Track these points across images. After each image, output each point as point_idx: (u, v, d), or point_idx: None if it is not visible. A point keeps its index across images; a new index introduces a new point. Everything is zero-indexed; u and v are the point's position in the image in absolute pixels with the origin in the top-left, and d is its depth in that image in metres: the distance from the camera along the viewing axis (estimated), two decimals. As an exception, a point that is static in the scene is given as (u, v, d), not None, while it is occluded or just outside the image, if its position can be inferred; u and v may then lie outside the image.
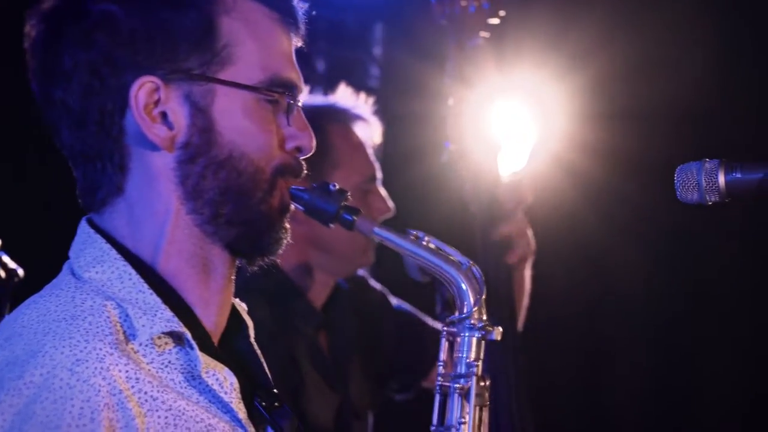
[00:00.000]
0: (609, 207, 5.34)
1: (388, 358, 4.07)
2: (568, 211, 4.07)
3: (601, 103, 5.24)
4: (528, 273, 4.03)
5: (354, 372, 3.99)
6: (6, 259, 3.21)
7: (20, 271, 3.20)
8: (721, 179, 2.19)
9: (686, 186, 2.22)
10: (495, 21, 3.97)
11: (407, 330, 4.08)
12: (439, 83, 4.16)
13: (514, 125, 4.07)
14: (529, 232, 3.98)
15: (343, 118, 4.01)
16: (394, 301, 4.14)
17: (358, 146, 3.99)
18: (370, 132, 4.03)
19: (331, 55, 5.54)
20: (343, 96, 4.06)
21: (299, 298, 3.90)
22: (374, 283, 4.13)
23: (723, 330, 5.61)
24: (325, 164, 3.91)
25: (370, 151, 4.01)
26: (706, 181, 2.19)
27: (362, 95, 4.08)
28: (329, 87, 4.79)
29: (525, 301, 4.05)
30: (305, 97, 4.01)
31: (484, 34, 3.97)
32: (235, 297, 2.30)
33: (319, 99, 4.06)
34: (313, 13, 2.30)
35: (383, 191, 3.99)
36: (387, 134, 4.40)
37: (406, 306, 4.13)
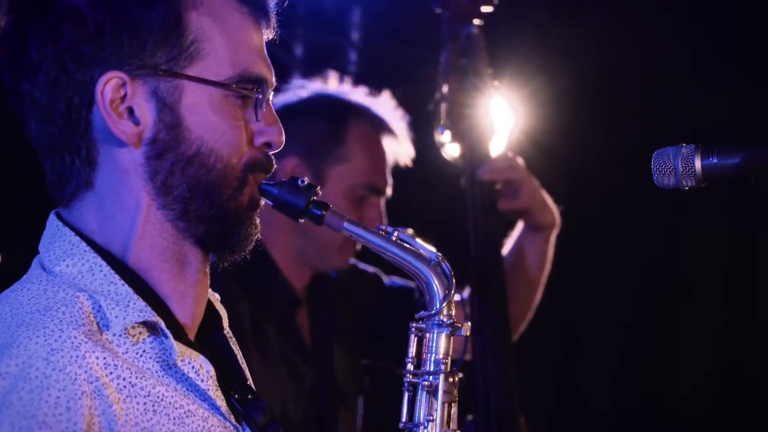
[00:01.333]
0: (585, 190, 5.35)
1: (378, 338, 4.07)
2: (554, 196, 4.07)
3: (583, 89, 5.25)
4: (552, 243, 4.05)
5: (338, 355, 3.98)
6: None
7: (-2, 257, 3.20)
8: (698, 164, 2.20)
9: (663, 171, 2.22)
10: (488, 9, 3.98)
11: (400, 305, 4.08)
12: (417, 68, 4.16)
13: (503, 112, 4.08)
14: (550, 203, 4.00)
15: (373, 122, 4.01)
16: (387, 279, 4.15)
17: (375, 153, 3.98)
18: (397, 151, 4.02)
19: (309, 41, 5.53)
20: (383, 104, 4.04)
21: (277, 275, 3.90)
22: (366, 267, 4.13)
23: (698, 312, 5.64)
24: (332, 155, 3.91)
25: (386, 165, 3.99)
26: (682, 165, 2.20)
27: (403, 114, 4.04)
28: (307, 72, 4.79)
29: (546, 271, 4.07)
30: (348, 87, 4.04)
31: (477, 22, 3.98)
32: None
33: (359, 96, 4.05)
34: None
35: (383, 208, 3.98)
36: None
37: (402, 282, 4.14)
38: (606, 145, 5.31)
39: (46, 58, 2.13)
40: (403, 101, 4.16)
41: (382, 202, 4.00)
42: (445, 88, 3.99)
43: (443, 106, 3.98)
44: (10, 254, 3.21)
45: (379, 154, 3.99)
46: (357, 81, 4.22)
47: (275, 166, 2.24)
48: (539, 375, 5.54)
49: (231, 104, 2.17)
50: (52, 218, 2.21)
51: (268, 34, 2.25)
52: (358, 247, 3.94)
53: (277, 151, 2.24)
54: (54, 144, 2.17)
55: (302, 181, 2.22)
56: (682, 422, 5.69)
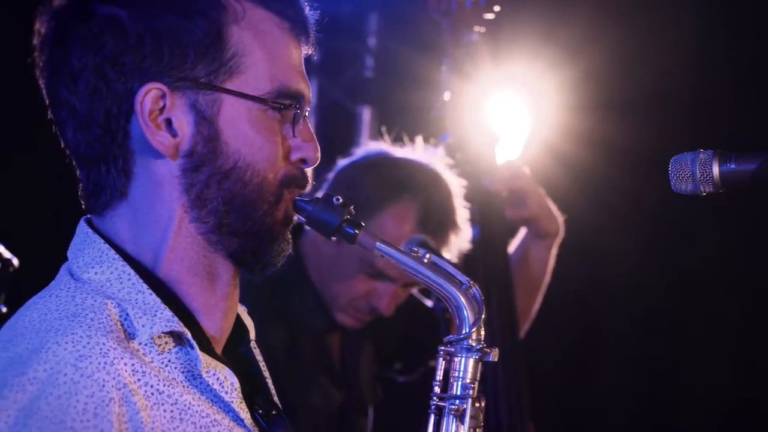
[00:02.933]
0: (601, 197, 5.35)
1: (395, 342, 4.06)
2: (560, 200, 4.08)
3: (594, 93, 5.26)
4: (554, 251, 4.05)
5: (363, 369, 3.98)
6: (1, 248, 3.21)
7: (15, 261, 3.21)
8: (716, 170, 2.19)
9: (680, 177, 2.21)
10: (490, 16, 3.99)
11: (417, 311, 4.07)
12: (434, 74, 4.17)
13: (510, 117, 4.09)
14: (555, 212, 4.01)
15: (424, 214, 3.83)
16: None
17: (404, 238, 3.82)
18: (446, 243, 3.87)
19: (326, 46, 5.54)
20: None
21: (316, 300, 3.87)
22: None
23: (712, 319, 5.63)
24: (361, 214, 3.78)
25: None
26: (700, 171, 2.19)
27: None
28: (323, 76, 4.78)
29: (547, 279, 4.07)
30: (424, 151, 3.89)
31: (479, 28, 3.98)
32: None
33: (423, 160, 3.91)
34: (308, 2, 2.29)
35: (395, 296, 3.86)
36: (382, 124, 4.40)
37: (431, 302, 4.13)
38: (622, 150, 5.30)
39: (87, 67, 2.13)
40: (421, 108, 4.16)
41: (400, 291, 3.89)
42: (447, 95, 4.00)
43: (446, 114, 3.98)
44: (27, 259, 3.22)
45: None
46: (373, 86, 4.22)
47: (310, 182, 2.24)
48: (551, 383, 5.52)
49: (269, 119, 2.18)
50: (82, 225, 2.21)
51: (307, 50, 2.27)
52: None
53: (312, 167, 2.23)
54: (90, 153, 2.17)
55: (337, 199, 2.22)
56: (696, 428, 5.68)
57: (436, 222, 3.82)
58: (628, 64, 5.35)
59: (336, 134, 5.48)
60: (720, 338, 5.61)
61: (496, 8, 3.99)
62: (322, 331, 3.88)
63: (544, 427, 4.02)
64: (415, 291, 4.08)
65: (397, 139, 4.02)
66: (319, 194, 2.25)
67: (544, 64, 4.68)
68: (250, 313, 2.34)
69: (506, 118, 4.08)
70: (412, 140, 4.01)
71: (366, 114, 5.63)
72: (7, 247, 3.22)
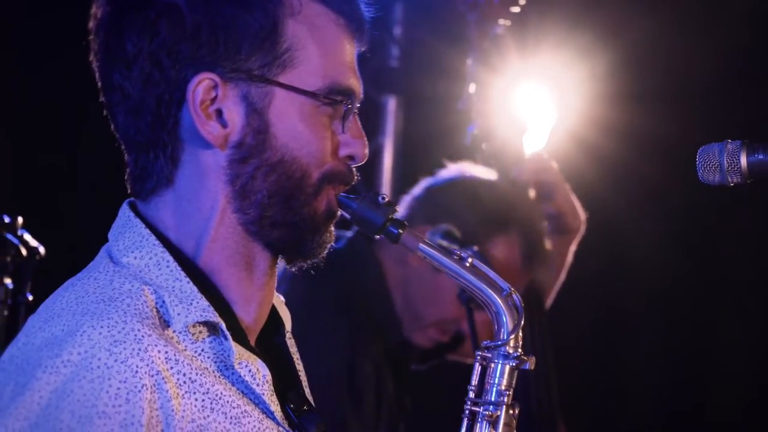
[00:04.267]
0: (628, 187, 5.33)
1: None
2: (586, 190, 4.07)
3: (621, 84, 5.24)
4: (572, 249, 4.04)
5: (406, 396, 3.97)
6: (28, 237, 3.23)
7: (41, 249, 3.22)
8: (743, 160, 2.19)
9: (708, 167, 2.21)
10: (516, 9, 3.98)
11: None
12: (460, 64, 4.17)
13: (536, 108, 4.08)
14: (579, 208, 3.99)
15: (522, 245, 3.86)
16: None
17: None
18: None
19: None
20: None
21: (398, 330, 3.85)
22: None
23: (738, 309, 5.61)
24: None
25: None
26: (728, 162, 2.19)
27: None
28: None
29: (562, 276, 4.05)
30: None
31: (505, 21, 3.98)
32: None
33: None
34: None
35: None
36: (407, 114, 4.39)
37: None
38: (649, 140, 5.29)
39: (142, 53, 2.14)
40: (446, 97, 4.15)
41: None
42: (473, 88, 3.99)
43: (472, 105, 3.98)
44: (54, 247, 3.24)
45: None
46: (398, 76, 4.22)
47: (356, 178, 2.24)
48: (577, 369, 5.52)
49: (319, 114, 2.18)
50: (125, 208, 2.22)
51: (362, 47, 2.27)
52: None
53: (360, 164, 2.24)
54: (140, 139, 2.18)
55: (382, 198, 2.23)
56: (724, 424, 5.66)
57: (538, 255, 3.86)
58: (655, 55, 5.33)
59: (361, 123, 5.47)
60: (746, 326, 5.59)
61: (522, 1, 3.98)
62: (384, 360, 3.86)
63: (570, 418, 4.01)
64: None
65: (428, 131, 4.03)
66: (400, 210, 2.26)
67: (570, 55, 4.67)
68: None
69: (532, 110, 4.08)
70: (439, 130, 4.03)
71: (391, 104, 5.62)
72: (34, 236, 3.24)
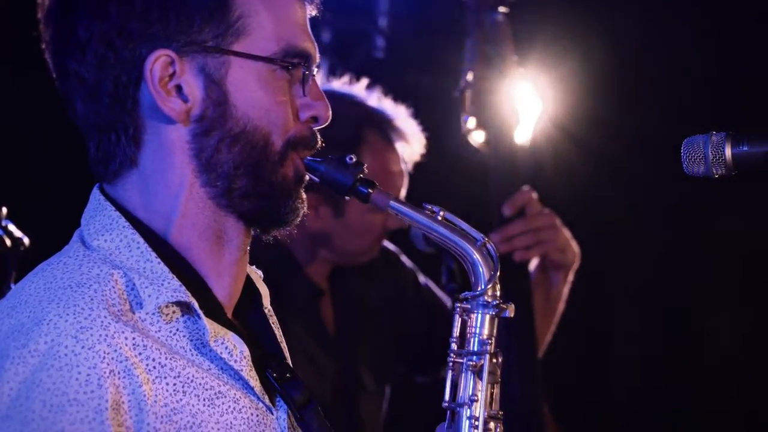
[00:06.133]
0: (617, 180, 5.33)
1: (410, 338, 4.04)
2: (577, 184, 4.07)
3: (612, 78, 5.23)
4: (570, 279, 3.98)
5: (365, 345, 3.97)
6: (12, 227, 3.21)
7: (26, 240, 3.21)
8: (728, 152, 2.18)
9: (693, 158, 2.21)
10: None
11: (434, 312, 4.05)
12: (445, 55, 4.15)
13: (530, 99, 4.06)
14: (572, 241, 3.94)
15: (385, 129, 3.92)
16: (423, 279, 4.13)
17: (389, 174, 3.88)
18: (408, 153, 3.96)
19: (337, 26, 5.53)
20: (381, 103, 3.98)
21: (297, 271, 3.88)
22: (406, 260, 4.11)
23: (732, 306, 5.61)
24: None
25: (400, 180, 3.92)
26: (712, 153, 2.19)
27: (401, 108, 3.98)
28: (334, 58, 4.75)
29: (561, 308, 4.01)
30: (341, 84, 3.99)
31: (503, 9, 3.96)
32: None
33: (358, 92, 4.00)
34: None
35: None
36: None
37: (432, 285, 4.12)
38: (636, 133, 5.29)
39: (94, 36, 2.13)
40: (431, 88, 4.14)
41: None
42: (470, 76, 3.98)
43: (468, 94, 3.96)
44: (39, 237, 3.22)
45: (394, 174, 3.92)
46: (384, 68, 4.21)
47: (320, 142, 2.24)
48: (568, 367, 5.52)
49: (277, 80, 2.18)
50: (95, 192, 2.22)
51: (312, 11, 2.26)
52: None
53: (323, 125, 2.24)
54: (100, 123, 2.17)
55: (350, 158, 2.23)
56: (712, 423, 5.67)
57: (395, 130, 3.91)
58: (645, 49, 5.33)
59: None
60: (739, 326, 5.59)
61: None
62: (307, 299, 3.88)
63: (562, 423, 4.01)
64: (440, 293, 4.06)
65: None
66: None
67: (563, 48, 4.68)
68: None
69: (526, 101, 4.06)
70: (423, 122, 4.02)
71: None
72: (18, 226, 3.22)
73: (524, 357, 3.82)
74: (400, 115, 3.99)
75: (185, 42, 2.13)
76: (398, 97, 4.08)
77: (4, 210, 3.21)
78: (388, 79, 5.52)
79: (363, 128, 3.91)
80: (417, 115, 4.06)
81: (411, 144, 3.97)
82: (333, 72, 4.22)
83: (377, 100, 4.01)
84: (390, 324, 4.02)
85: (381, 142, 3.92)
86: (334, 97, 3.89)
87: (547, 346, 3.99)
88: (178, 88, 2.14)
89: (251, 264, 2.29)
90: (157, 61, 2.13)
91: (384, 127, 3.94)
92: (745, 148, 2.18)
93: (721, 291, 5.61)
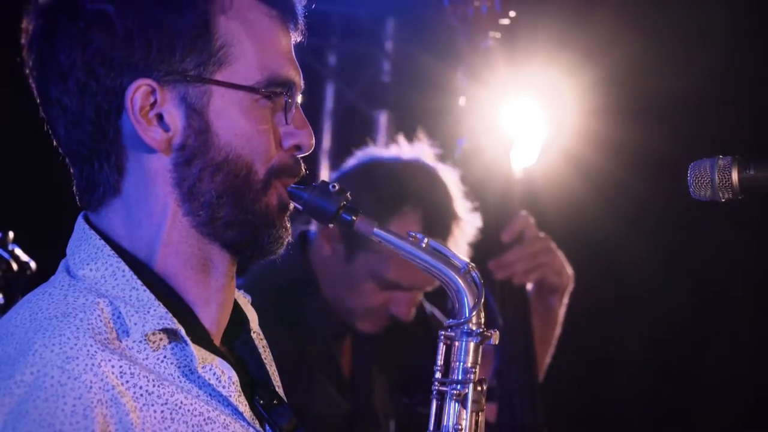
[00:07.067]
0: (619, 202, 5.34)
1: (415, 369, 4.04)
2: (578, 205, 4.07)
3: (611, 98, 5.24)
4: (565, 302, 3.99)
5: (377, 381, 3.96)
6: (18, 251, 3.22)
7: (32, 264, 3.21)
8: (735, 176, 2.18)
9: (699, 183, 2.20)
10: (505, 21, 3.99)
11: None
12: (451, 78, 4.17)
13: (526, 122, 4.08)
14: (566, 264, 3.94)
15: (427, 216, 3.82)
16: (428, 308, 4.13)
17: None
18: (453, 238, 3.87)
19: (343, 50, 5.55)
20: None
21: (325, 307, 3.86)
22: None
23: (732, 328, 5.61)
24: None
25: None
26: (719, 177, 2.18)
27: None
28: (340, 81, 4.76)
29: (558, 330, 4.02)
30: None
31: (494, 34, 3.98)
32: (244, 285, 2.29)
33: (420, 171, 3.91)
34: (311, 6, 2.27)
35: (412, 302, 3.88)
36: (399, 129, 4.39)
37: (437, 313, 4.12)
38: (639, 155, 5.29)
39: (76, 64, 2.13)
40: (436, 111, 4.15)
41: (417, 295, 3.90)
42: (462, 101, 3.99)
43: (462, 119, 3.98)
44: (45, 262, 3.23)
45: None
46: (390, 90, 4.22)
47: (304, 170, 2.23)
48: (570, 391, 5.52)
49: (260, 108, 2.16)
50: (80, 221, 2.21)
51: (297, 37, 2.24)
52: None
53: (306, 154, 2.23)
54: (83, 150, 2.17)
55: (333, 186, 2.21)
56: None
57: (441, 224, 3.83)
58: (645, 69, 5.34)
59: (353, 138, 5.48)
60: (740, 346, 5.59)
61: (512, 14, 3.99)
62: (329, 337, 3.87)
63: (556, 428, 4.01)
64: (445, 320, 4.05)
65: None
66: None
67: (561, 68, 4.68)
68: (260, 318, 2.34)
69: (522, 124, 4.08)
70: (430, 145, 4.01)
71: (383, 118, 5.64)
72: (25, 251, 3.23)
73: (525, 381, 3.82)
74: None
75: (166, 71, 2.12)
76: (404, 121, 4.09)
77: (11, 234, 3.22)
78: (395, 103, 5.55)
79: (403, 206, 3.83)
80: (423, 137, 4.07)
81: (463, 229, 3.91)
82: (339, 95, 4.23)
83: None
84: (399, 359, 4.02)
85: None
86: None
87: (547, 369, 3.99)
88: (159, 118, 2.13)
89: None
90: (138, 91, 2.12)
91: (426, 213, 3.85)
92: (752, 173, 2.17)
93: (722, 312, 5.61)
